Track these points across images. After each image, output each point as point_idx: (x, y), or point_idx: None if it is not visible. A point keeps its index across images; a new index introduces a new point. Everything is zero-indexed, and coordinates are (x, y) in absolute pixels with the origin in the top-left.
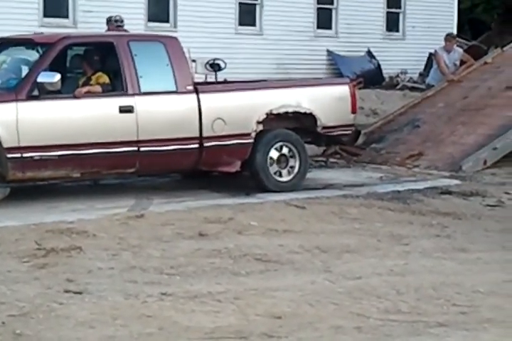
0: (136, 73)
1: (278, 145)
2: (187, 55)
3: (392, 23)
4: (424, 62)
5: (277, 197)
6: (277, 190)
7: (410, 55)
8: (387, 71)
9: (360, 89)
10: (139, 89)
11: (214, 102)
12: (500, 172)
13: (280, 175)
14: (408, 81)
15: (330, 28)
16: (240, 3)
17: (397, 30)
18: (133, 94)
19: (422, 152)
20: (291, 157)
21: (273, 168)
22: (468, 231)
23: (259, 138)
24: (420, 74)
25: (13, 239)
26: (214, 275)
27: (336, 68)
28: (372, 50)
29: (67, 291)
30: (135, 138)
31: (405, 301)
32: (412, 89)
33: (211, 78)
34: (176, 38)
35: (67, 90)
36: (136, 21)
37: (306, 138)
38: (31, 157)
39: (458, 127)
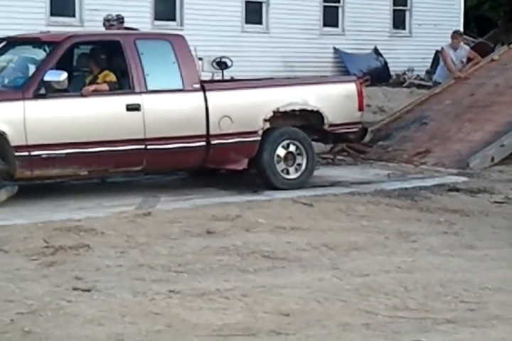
0: (143, 71)
1: (285, 142)
2: (193, 53)
3: (399, 21)
4: (430, 60)
5: (284, 194)
6: (284, 188)
7: (417, 52)
8: (394, 68)
9: (367, 86)
10: (146, 88)
11: (221, 100)
12: (508, 169)
13: (287, 173)
14: (415, 78)
15: (336, 25)
16: (246, 2)
17: (404, 28)
18: (140, 93)
19: (429, 149)
20: (299, 154)
21: (280, 166)
22: (476, 228)
23: (266, 135)
24: (427, 72)
25: (21, 237)
26: (222, 273)
27: (343, 66)
28: (378, 47)
29: (75, 289)
30: (142, 136)
31: (413, 298)
32: (419, 86)
33: (218, 76)
34: (182, 36)
35: (74, 89)
36: (142, 19)
37: (313, 136)
38: (39, 155)
39: (465, 124)
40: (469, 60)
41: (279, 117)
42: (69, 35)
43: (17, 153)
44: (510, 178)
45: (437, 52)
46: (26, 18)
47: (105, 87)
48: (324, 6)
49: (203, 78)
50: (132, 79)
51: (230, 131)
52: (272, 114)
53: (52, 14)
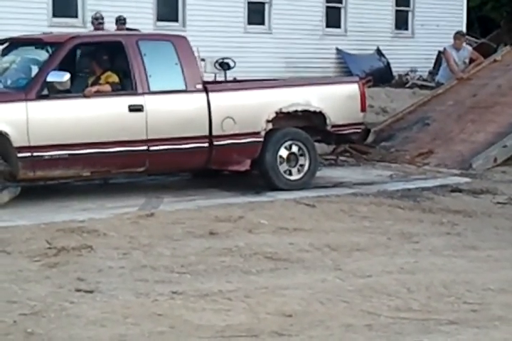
0: (146, 72)
1: (288, 143)
2: (196, 54)
3: (401, 21)
4: (433, 60)
5: (287, 195)
6: (287, 189)
7: (419, 53)
8: (397, 69)
9: (369, 87)
10: (149, 88)
11: (223, 101)
12: (511, 170)
13: (290, 174)
14: (417, 79)
15: (339, 26)
16: (248, 2)
17: (406, 29)
18: (142, 93)
19: (432, 150)
20: (301, 155)
21: (283, 167)
22: (479, 229)
23: (268, 136)
24: (430, 73)
25: (24, 239)
26: (224, 274)
27: (345, 67)
28: (381, 48)
29: (78, 290)
30: (145, 137)
31: (416, 299)
32: (422, 87)
33: (220, 77)
34: (184, 37)
35: (76, 89)
36: (145, 21)
37: (316, 137)
38: (41, 156)
39: (468, 125)
40: (472, 60)
41: (282, 118)
42: (71, 36)
43: (20, 154)
44: None
45: (440, 52)
46: (29, 19)
47: (108, 87)
48: (327, 7)
49: (206, 79)
50: (135, 80)
51: (232, 132)
52: (274, 114)
53: (54, 15)
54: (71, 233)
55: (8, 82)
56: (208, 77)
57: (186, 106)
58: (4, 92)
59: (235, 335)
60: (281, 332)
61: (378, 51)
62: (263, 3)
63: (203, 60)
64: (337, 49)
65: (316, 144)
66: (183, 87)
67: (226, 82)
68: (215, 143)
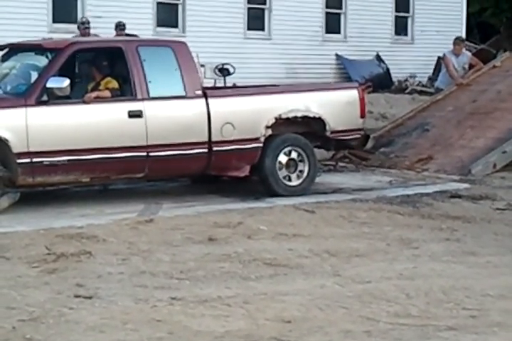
0: (145, 78)
1: (287, 149)
2: (196, 60)
3: (401, 27)
4: (432, 66)
5: (286, 201)
6: (286, 195)
7: (419, 58)
8: (396, 75)
9: (369, 93)
10: (148, 94)
11: (223, 107)
12: (510, 176)
13: (289, 180)
14: (417, 85)
15: (338, 32)
16: (248, 8)
17: (406, 34)
18: (142, 99)
19: (431, 156)
20: (300, 161)
21: (282, 173)
22: (478, 234)
23: (268, 142)
24: (429, 78)
25: (23, 244)
26: (224, 280)
27: (345, 72)
28: (380, 54)
29: (77, 296)
30: (144, 143)
31: (415, 305)
32: (421, 93)
33: (220, 83)
34: (184, 43)
35: (76, 95)
36: (144, 26)
37: (315, 143)
38: (41, 162)
39: (467, 131)
40: (471, 66)
41: (281, 124)
42: (71, 42)
43: (19, 160)
44: None
45: (439, 58)
46: (28, 25)
47: (107, 93)
48: (326, 13)
49: (205, 85)
50: (134, 86)
51: (232, 138)
52: (274, 120)
53: (54, 21)
54: (70, 239)
55: (8, 88)
56: (208, 83)
57: (186, 112)
58: (4, 98)
59: None
60: (280, 338)
61: (378, 57)
62: (263, 9)
63: (202, 65)
64: (337, 55)
65: (316, 150)
66: (183, 93)
67: (225, 87)
68: (215, 148)
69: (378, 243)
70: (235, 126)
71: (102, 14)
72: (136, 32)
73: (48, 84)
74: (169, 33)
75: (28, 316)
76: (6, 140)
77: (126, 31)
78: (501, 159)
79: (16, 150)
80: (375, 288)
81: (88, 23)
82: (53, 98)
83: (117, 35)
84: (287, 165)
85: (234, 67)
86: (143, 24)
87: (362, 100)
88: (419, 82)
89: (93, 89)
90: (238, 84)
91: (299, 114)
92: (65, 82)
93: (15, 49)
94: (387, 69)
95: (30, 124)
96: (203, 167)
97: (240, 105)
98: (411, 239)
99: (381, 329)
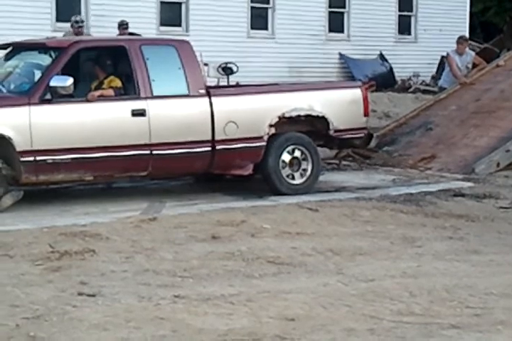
0: (149, 77)
1: (290, 148)
2: (199, 59)
3: (404, 26)
4: (436, 65)
5: (290, 199)
6: (290, 193)
7: (422, 57)
8: (400, 74)
9: (372, 92)
10: (152, 93)
11: (226, 106)
12: None
13: (293, 178)
14: (420, 84)
15: (342, 31)
16: (252, 7)
17: (409, 33)
18: (145, 98)
19: (435, 154)
20: (304, 160)
21: (285, 171)
22: (481, 233)
23: (271, 141)
24: (432, 77)
25: (27, 242)
26: (227, 278)
27: (348, 71)
28: (384, 53)
29: (80, 294)
30: (147, 142)
31: (418, 303)
32: (425, 91)
33: (223, 82)
34: (188, 42)
35: (79, 94)
36: (148, 25)
37: (319, 141)
38: (44, 160)
39: (470, 130)
40: (475, 65)
41: (285, 122)
42: (75, 41)
43: (22, 158)
44: None
45: (443, 57)
46: (32, 24)
47: (111, 92)
48: (330, 12)
49: (209, 84)
50: (138, 85)
51: (235, 137)
52: (277, 119)
53: (58, 20)
54: (74, 237)
55: (12, 87)
56: (211, 82)
57: (189, 111)
58: (7, 97)
59: (237, 339)
60: (283, 336)
61: (381, 56)
62: (266, 8)
63: (206, 64)
64: (340, 54)
65: (319, 149)
66: (186, 92)
67: (229, 86)
68: (218, 147)
69: (382, 241)
70: (239, 125)
71: (106, 13)
72: (140, 31)
73: (52, 83)
74: (173, 32)
75: (31, 314)
76: (10, 138)
77: (130, 30)
78: (505, 158)
79: (19, 148)
80: (379, 286)
81: (82, 21)
82: (57, 96)
83: (120, 34)
84: (290, 164)
85: (237, 66)
86: (146, 23)
87: (365, 99)
88: (423, 81)
89: (96, 88)
90: (241, 83)
91: (303, 113)
92: (69, 81)
93: (18, 48)
94: (391, 68)
95: (33, 123)
96: (206, 165)
97: (243, 104)
98: (414, 237)
99: (384, 327)
